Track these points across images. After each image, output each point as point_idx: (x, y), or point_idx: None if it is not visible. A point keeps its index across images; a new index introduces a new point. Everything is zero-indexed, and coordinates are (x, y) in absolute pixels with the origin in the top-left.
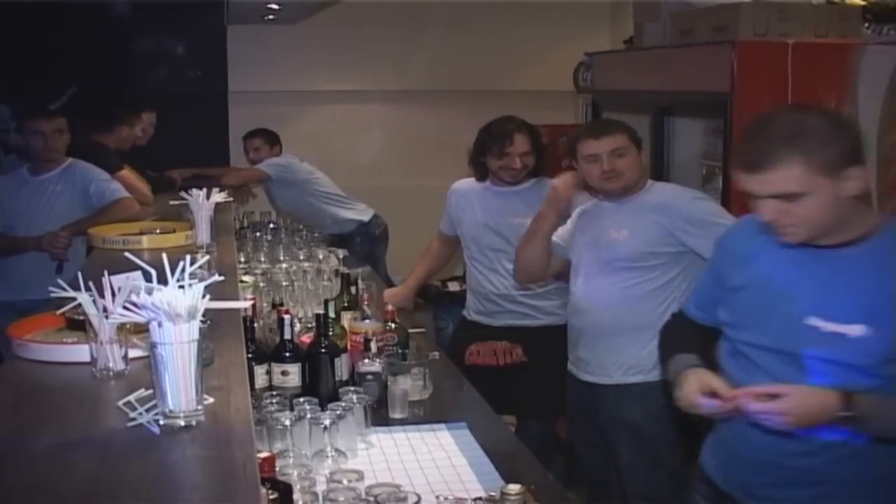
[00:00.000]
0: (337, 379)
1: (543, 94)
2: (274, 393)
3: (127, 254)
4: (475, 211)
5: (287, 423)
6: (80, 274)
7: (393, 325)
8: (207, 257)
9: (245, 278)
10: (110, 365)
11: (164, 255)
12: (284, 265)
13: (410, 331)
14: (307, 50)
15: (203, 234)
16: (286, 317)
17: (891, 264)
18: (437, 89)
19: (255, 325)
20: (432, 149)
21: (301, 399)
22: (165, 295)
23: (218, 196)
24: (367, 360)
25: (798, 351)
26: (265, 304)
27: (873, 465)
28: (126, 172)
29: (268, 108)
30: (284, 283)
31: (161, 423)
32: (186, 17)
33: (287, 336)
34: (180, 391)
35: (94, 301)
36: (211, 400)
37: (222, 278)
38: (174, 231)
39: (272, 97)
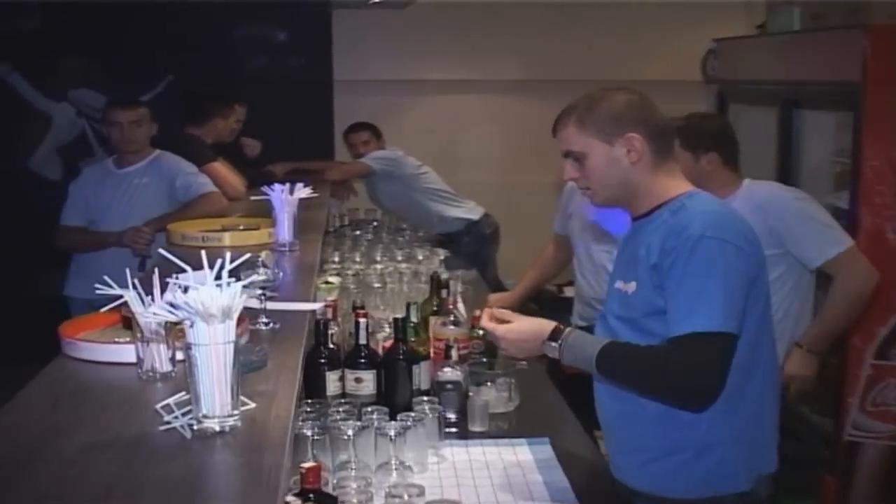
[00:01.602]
0: (415, 388)
1: (669, 85)
2: (343, 401)
3: (161, 250)
4: (584, 208)
5: (350, 432)
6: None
7: (480, 332)
8: (265, 254)
9: (331, 279)
10: (156, 366)
11: (227, 254)
12: (380, 266)
13: None
14: (415, 37)
15: (285, 232)
16: (362, 320)
17: (655, 230)
18: (553, 79)
19: (333, 328)
20: (547, 143)
21: (370, 408)
22: (200, 294)
23: (302, 191)
24: (447, 369)
25: (606, 311)
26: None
27: (688, 433)
28: (217, 165)
29: (372, 99)
30: (376, 285)
31: (195, 427)
32: (288, 3)
33: (362, 341)
34: (214, 395)
35: (141, 299)
36: (252, 405)
37: (262, 277)
38: (259, 228)
39: (377, 87)
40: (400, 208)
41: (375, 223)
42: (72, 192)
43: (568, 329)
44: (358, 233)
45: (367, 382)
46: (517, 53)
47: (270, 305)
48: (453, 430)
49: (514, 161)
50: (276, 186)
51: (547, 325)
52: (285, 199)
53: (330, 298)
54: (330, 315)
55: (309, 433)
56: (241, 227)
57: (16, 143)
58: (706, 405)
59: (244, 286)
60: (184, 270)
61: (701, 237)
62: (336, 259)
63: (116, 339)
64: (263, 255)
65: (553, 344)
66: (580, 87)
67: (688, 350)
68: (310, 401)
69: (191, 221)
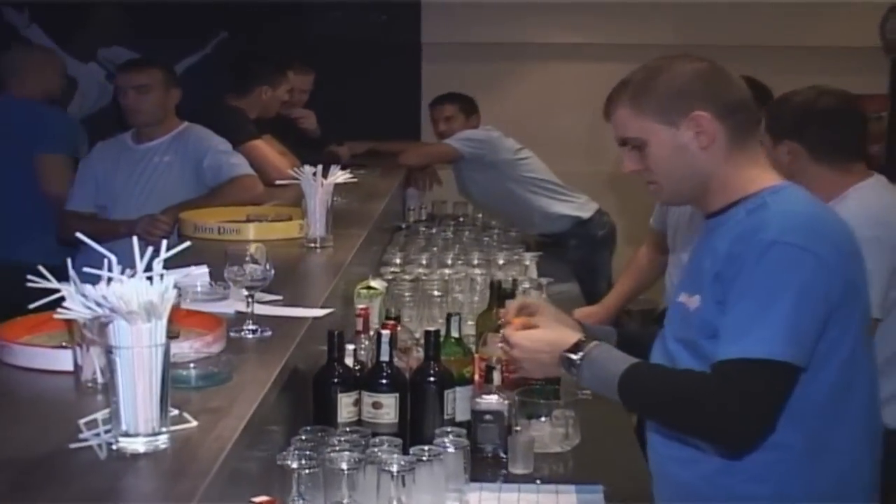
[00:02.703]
0: (447, 417)
1: (840, 53)
2: (349, 430)
3: (80, 235)
4: None
5: (344, 466)
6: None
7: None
8: (256, 247)
9: (374, 284)
10: (98, 375)
11: (164, 243)
12: (447, 271)
13: None
14: None
15: (317, 225)
16: (384, 332)
17: (727, 233)
18: (696, 44)
19: (363, 342)
20: None
21: (379, 438)
22: (120, 288)
23: (339, 175)
24: (487, 396)
25: (667, 330)
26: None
27: (754, 488)
28: (258, 144)
29: (466, 66)
30: (436, 294)
31: (113, 447)
32: None
33: (384, 357)
34: (137, 409)
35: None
36: (192, 423)
37: (202, 269)
38: (290, 219)
39: (474, 51)
40: (493, 202)
41: (462, 219)
42: (80, 173)
43: (594, 342)
44: (434, 230)
45: (387, 408)
46: (659, 12)
47: (264, 310)
48: (490, 471)
49: None
50: (307, 169)
51: (571, 335)
52: (317, 183)
53: (361, 307)
54: (360, 326)
55: (294, 465)
56: (270, 218)
57: None
58: (746, 447)
59: (177, 282)
60: (106, 258)
61: (773, 242)
62: (397, 261)
63: (65, 343)
64: (253, 248)
65: (573, 357)
66: (733, 55)
67: (734, 378)
68: (308, 428)
69: (211, 210)
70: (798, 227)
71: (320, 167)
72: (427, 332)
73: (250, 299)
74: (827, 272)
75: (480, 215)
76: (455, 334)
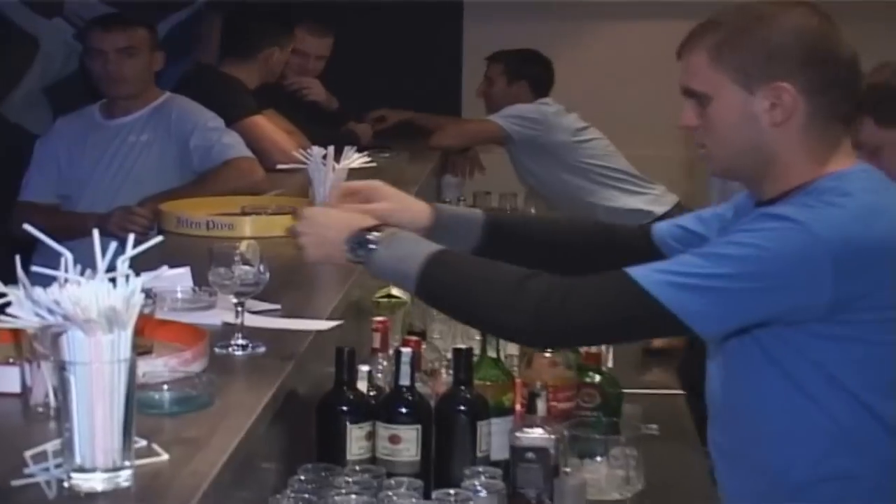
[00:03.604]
0: (479, 454)
1: None
2: (360, 469)
3: (28, 226)
4: None
5: None
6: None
7: (597, 378)
8: (247, 245)
9: (395, 292)
10: (48, 398)
11: (125, 238)
12: None
13: (631, 391)
14: None
15: None
16: (406, 350)
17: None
18: None
19: (382, 363)
20: None
21: (396, 480)
22: (76, 290)
23: (355, 159)
24: (529, 429)
25: None
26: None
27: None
28: (258, 120)
29: (515, 27)
30: None
31: (65, 483)
32: None
33: (404, 381)
34: (95, 438)
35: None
36: (163, 456)
37: (182, 270)
38: (293, 212)
39: (527, 9)
40: (550, 192)
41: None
42: (38, 154)
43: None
44: None
45: (407, 443)
46: None
47: (257, 322)
48: None
49: None
50: (315, 150)
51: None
52: (326, 169)
53: (378, 319)
54: (377, 343)
55: None
56: (270, 211)
57: None
58: (532, 341)
59: (147, 285)
60: (62, 256)
61: (776, 215)
62: None
63: (11, 359)
64: (244, 246)
65: (370, 236)
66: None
67: (590, 282)
68: (309, 466)
69: (198, 200)
70: (825, 214)
71: (332, 149)
72: (457, 351)
73: (240, 308)
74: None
75: (533, 209)
76: (492, 354)
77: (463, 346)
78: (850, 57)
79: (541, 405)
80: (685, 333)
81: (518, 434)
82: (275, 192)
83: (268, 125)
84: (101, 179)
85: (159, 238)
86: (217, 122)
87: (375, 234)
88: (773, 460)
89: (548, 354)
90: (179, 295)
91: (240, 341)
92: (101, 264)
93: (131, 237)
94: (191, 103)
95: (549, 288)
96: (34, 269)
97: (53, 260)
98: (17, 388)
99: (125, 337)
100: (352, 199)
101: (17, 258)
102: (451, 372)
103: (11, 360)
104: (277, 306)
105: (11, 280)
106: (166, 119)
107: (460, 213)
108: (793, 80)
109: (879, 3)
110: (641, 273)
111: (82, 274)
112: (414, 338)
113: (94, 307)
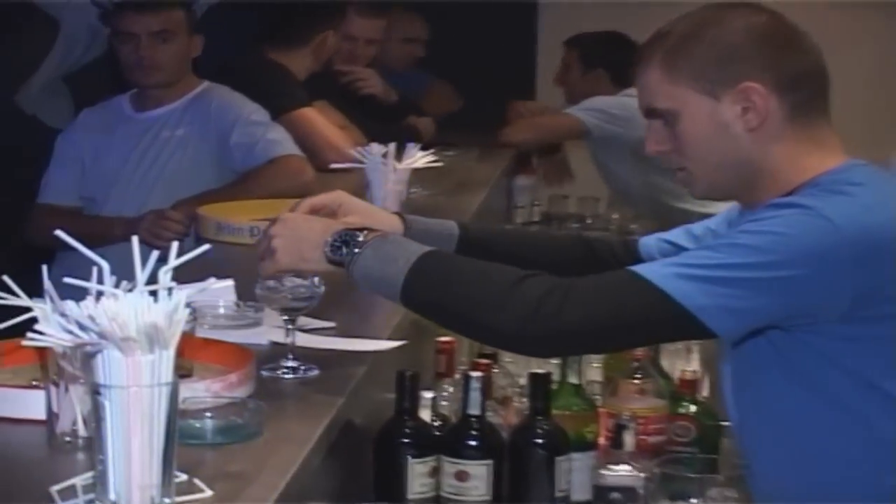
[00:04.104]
0: (558, 493)
1: None
2: None
3: (60, 232)
4: None
5: None
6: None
7: (693, 408)
8: None
9: None
10: (77, 426)
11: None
12: None
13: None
14: None
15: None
16: (475, 375)
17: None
18: None
19: (447, 390)
20: None
21: None
22: (113, 305)
23: (419, 158)
24: (615, 466)
25: None
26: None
27: None
28: (308, 113)
29: (604, 7)
30: None
31: None
32: None
33: (473, 410)
34: (132, 472)
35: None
36: (206, 493)
37: (225, 283)
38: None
39: None
40: (635, 196)
41: (589, 220)
42: (60, 152)
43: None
44: None
45: (476, 480)
46: None
47: (310, 341)
48: None
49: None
50: (374, 148)
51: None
52: (386, 168)
53: (444, 339)
54: (442, 366)
55: None
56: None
57: None
58: (523, 346)
59: (191, 299)
60: (96, 265)
61: (790, 204)
62: None
63: (34, 382)
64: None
65: (359, 234)
66: None
67: (590, 281)
68: None
69: (240, 203)
70: (837, 201)
71: (393, 146)
72: (534, 376)
73: (290, 326)
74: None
75: (616, 216)
76: (573, 380)
77: (540, 371)
78: (811, 48)
79: (628, 439)
80: (698, 335)
81: (602, 472)
82: None
83: (319, 119)
84: (130, 179)
85: (206, 247)
86: (262, 115)
87: (365, 232)
88: (813, 489)
89: (636, 381)
90: (221, 310)
91: (290, 363)
92: (141, 275)
93: (175, 244)
94: (232, 94)
95: (549, 287)
96: (65, 280)
97: (75, 270)
98: (41, 415)
99: (167, 357)
100: (316, 216)
101: (45, 268)
102: (526, 400)
103: (35, 383)
104: (332, 324)
105: (30, 293)
106: (204, 111)
107: (433, 226)
108: (758, 79)
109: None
110: (647, 268)
111: (118, 286)
112: (484, 360)
113: (133, 323)
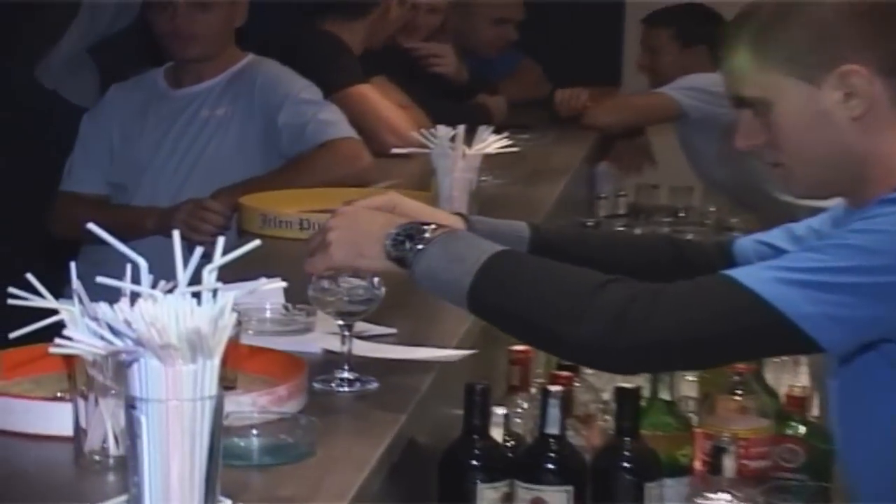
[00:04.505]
0: None
1: None
2: None
3: (92, 225)
4: None
5: None
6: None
7: (802, 429)
8: None
9: None
10: (107, 445)
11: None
12: None
13: None
14: None
15: None
16: (554, 389)
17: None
18: None
19: (522, 405)
20: None
21: None
22: (151, 308)
23: (491, 142)
24: (711, 494)
25: None
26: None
27: None
28: (366, 91)
29: None
30: None
31: None
32: None
33: (552, 430)
34: (171, 495)
35: (95, 318)
36: None
37: (276, 283)
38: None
39: None
40: (732, 185)
41: (682, 213)
42: (85, 133)
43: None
44: (638, 230)
45: None
46: None
47: (368, 350)
48: None
49: None
50: (441, 131)
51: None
52: (455, 154)
53: (518, 348)
54: (517, 379)
55: None
56: None
57: (15, 36)
58: (602, 360)
59: (238, 302)
60: (131, 263)
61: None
62: None
63: (61, 394)
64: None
65: (426, 227)
66: None
67: (680, 287)
68: None
69: (290, 193)
70: None
71: (462, 129)
72: (621, 391)
73: (346, 332)
74: None
75: (713, 209)
76: (665, 395)
77: (627, 386)
78: None
79: (728, 463)
80: (801, 348)
81: (698, 500)
82: (386, 184)
83: (377, 97)
84: (165, 165)
85: (256, 242)
86: (312, 92)
87: (433, 227)
88: None
89: (737, 398)
90: (268, 314)
91: (346, 375)
92: (183, 275)
93: (221, 239)
94: (280, 69)
95: (634, 294)
96: (99, 279)
97: (101, 267)
98: (68, 431)
99: (211, 367)
100: None
101: (73, 265)
102: (611, 418)
103: (61, 395)
104: (393, 330)
105: (52, 292)
106: (248, 88)
107: (501, 227)
108: (859, 60)
109: None
110: (743, 272)
111: (155, 286)
112: (564, 373)
113: (174, 329)
